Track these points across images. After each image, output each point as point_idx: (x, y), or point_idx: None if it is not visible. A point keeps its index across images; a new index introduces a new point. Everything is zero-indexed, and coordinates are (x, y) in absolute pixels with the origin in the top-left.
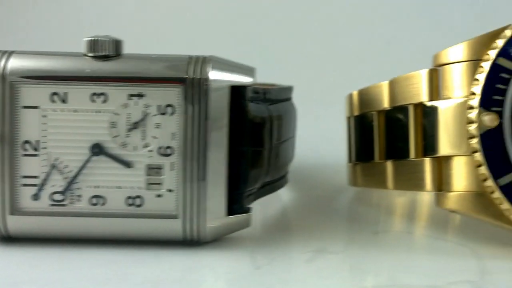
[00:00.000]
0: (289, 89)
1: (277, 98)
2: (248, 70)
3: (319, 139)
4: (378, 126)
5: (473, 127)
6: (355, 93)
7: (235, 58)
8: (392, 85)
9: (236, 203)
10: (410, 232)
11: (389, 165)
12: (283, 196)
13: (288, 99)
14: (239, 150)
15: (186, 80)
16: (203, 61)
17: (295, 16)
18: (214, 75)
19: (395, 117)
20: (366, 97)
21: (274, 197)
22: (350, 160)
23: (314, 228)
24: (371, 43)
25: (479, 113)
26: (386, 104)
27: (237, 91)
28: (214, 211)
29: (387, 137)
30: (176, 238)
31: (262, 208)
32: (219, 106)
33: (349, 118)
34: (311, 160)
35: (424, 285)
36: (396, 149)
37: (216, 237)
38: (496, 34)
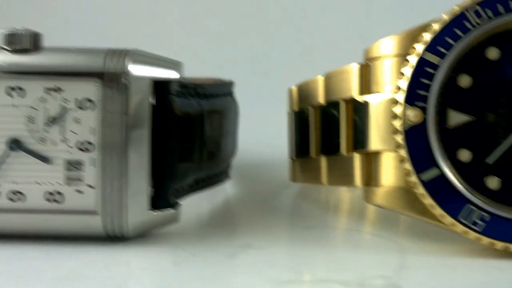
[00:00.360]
0: (228, 84)
1: (212, 93)
2: (173, 64)
3: (273, 133)
4: (314, 121)
5: (398, 123)
6: (294, 88)
7: (202, 57)
8: (327, 79)
9: (161, 199)
10: (344, 227)
11: (323, 161)
12: (228, 191)
13: (228, 94)
14: (163, 145)
15: (103, 74)
16: (122, 54)
17: (266, 8)
18: (134, 69)
19: (329, 112)
20: (303, 92)
21: (218, 193)
22: (290, 156)
23: (247, 224)
24: (343, 37)
25: (404, 109)
26: (321, 99)
27: (160, 85)
28: (136, 206)
29: (322, 132)
30: (97, 234)
31: (202, 203)
32: (140, 101)
33: (289, 114)
34: (260, 155)
35: (336, 280)
36: (330, 145)
37: (139, 232)
38: (425, 27)
